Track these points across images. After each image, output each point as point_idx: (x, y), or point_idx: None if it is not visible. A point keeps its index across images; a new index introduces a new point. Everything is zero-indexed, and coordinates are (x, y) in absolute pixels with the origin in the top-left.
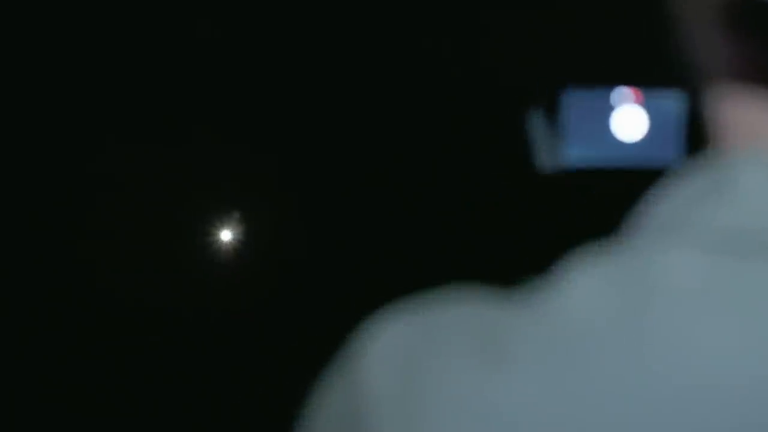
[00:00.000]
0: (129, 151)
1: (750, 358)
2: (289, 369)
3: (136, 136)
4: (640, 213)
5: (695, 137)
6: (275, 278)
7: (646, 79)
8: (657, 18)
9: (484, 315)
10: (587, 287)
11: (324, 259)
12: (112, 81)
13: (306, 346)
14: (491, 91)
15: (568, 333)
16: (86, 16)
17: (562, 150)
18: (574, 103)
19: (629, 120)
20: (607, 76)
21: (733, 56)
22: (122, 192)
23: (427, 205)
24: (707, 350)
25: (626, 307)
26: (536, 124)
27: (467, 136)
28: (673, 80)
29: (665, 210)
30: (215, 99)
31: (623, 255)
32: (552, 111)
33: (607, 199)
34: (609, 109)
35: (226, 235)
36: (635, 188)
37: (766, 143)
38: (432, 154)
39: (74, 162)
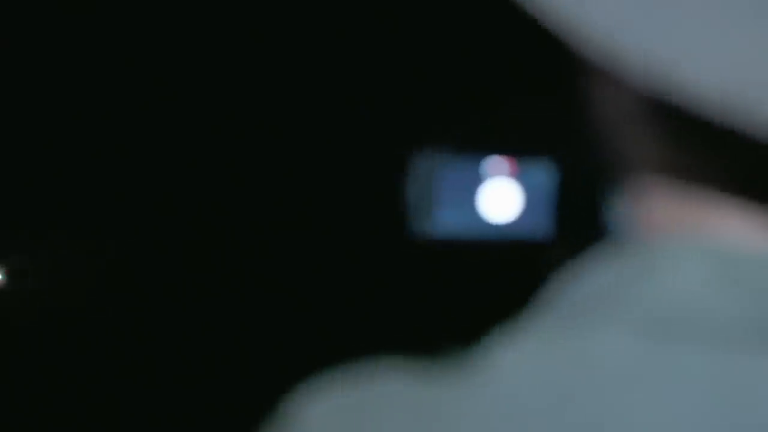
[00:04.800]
0: None
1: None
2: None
3: None
4: (557, 291)
5: (567, 210)
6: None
7: (519, 147)
8: (533, 86)
9: (420, 391)
10: (523, 367)
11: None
12: None
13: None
14: (366, 153)
15: (508, 412)
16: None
17: (435, 216)
18: (447, 170)
19: (501, 193)
20: (482, 143)
21: (655, 151)
22: None
23: (291, 265)
24: (642, 428)
25: (565, 389)
26: (411, 189)
27: (342, 197)
28: (546, 149)
29: (589, 291)
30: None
31: (555, 336)
32: (426, 176)
33: (478, 266)
34: (481, 178)
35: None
36: (507, 257)
37: (687, 232)
38: (301, 212)
39: None
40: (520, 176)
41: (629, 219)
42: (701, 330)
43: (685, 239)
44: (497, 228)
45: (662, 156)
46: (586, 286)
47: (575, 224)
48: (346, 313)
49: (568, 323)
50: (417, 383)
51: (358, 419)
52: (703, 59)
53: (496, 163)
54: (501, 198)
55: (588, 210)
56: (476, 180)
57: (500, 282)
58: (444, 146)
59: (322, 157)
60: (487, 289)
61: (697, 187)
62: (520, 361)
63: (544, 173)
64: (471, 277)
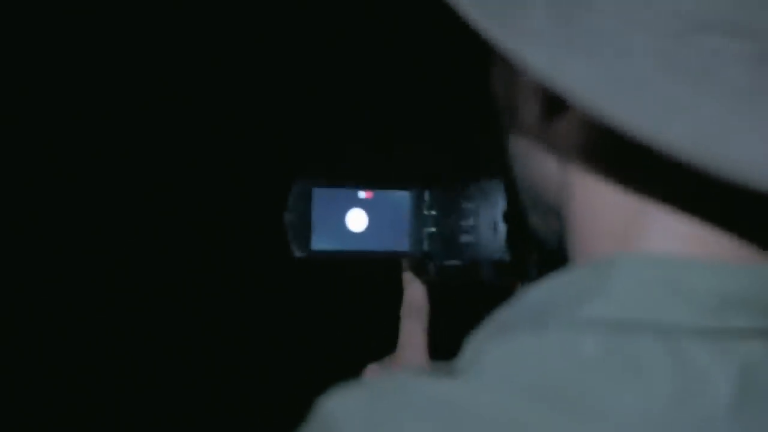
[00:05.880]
0: None
1: (647, 414)
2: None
3: None
4: (525, 299)
5: (418, 229)
6: None
7: (380, 179)
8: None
9: (432, 387)
10: (509, 365)
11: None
12: None
13: None
14: (254, 184)
15: (517, 397)
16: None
17: (312, 238)
18: (322, 201)
19: (360, 216)
20: (351, 176)
21: (598, 170)
22: None
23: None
24: (614, 409)
25: (554, 374)
26: (291, 216)
27: (233, 224)
28: (404, 181)
29: (553, 298)
30: None
31: (532, 334)
32: (304, 207)
33: (349, 277)
34: (347, 206)
35: None
36: (369, 268)
37: (630, 243)
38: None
39: None
40: (380, 203)
41: (572, 227)
42: (652, 329)
43: (631, 252)
44: (360, 245)
45: (612, 173)
46: (551, 294)
47: (427, 242)
48: (247, 320)
49: (541, 327)
50: (427, 381)
51: (378, 414)
52: (663, 115)
53: (359, 192)
54: (364, 221)
55: (441, 230)
56: (344, 206)
57: (368, 286)
58: (317, 178)
59: (211, 181)
60: (357, 293)
61: (637, 201)
62: (505, 360)
63: (400, 201)
64: (343, 284)
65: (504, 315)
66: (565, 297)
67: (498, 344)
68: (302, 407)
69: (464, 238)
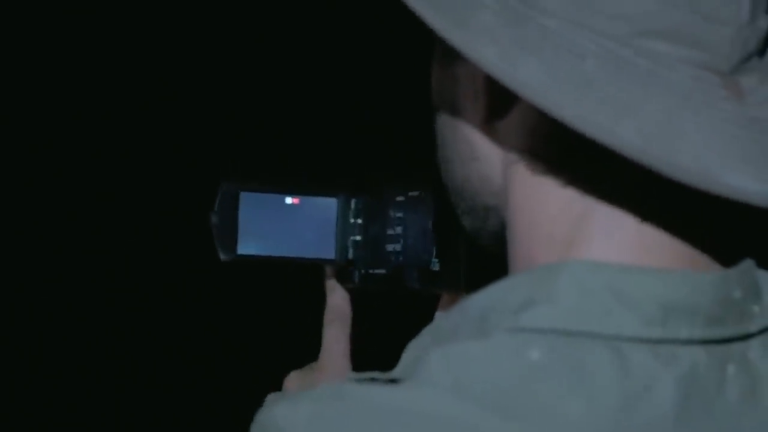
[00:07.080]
0: None
1: (593, 419)
2: None
3: None
4: (464, 308)
5: (344, 237)
6: None
7: (308, 187)
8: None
9: (379, 394)
10: (453, 369)
11: None
12: None
13: None
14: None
15: (464, 402)
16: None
17: (238, 241)
18: (249, 205)
19: (287, 222)
20: (280, 183)
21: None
22: None
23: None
24: (560, 414)
25: (500, 379)
26: (217, 219)
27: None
28: (334, 189)
29: (490, 305)
30: None
31: (477, 341)
32: (231, 210)
33: (276, 280)
34: (274, 211)
35: None
36: (297, 272)
37: (575, 250)
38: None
39: None
40: (307, 210)
41: (513, 231)
42: (597, 336)
43: (574, 258)
44: (286, 250)
45: (555, 177)
46: (495, 300)
47: (352, 249)
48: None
49: (485, 333)
50: (372, 389)
51: (323, 423)
52: (617, 117)
53: (286, 198)
54: (291, 227)
55: (367, 238)
56: (271, 211)
57: (291, 293)
58: (244, 182)
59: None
60: (280, 299)
61: (580, 206)
62: (451, 366)
63: (326, 208)
64: (266, 290)
65: (445, 323)
66: (509, 303)
67: (442, 351)
68: (224, 412)
69: (390, 247)
